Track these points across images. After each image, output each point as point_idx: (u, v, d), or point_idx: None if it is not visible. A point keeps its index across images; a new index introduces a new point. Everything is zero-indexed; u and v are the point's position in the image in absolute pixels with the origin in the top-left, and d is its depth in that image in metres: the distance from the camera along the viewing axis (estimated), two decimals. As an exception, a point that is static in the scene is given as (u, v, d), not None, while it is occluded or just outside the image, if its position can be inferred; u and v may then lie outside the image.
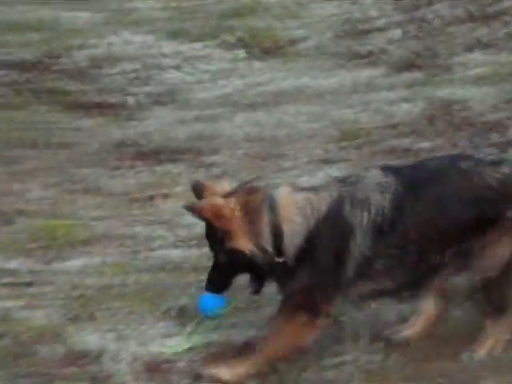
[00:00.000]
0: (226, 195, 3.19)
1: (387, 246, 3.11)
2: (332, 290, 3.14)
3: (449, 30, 6.73)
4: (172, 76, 6.21)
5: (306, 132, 5.36)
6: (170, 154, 5.08)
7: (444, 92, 5.69)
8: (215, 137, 5.22)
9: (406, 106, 5.53)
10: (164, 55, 6.59)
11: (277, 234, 3.12)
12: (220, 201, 3.15)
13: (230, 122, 5.46)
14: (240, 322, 3.42)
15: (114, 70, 6.26)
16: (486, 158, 3.29)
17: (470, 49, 6.42)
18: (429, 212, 3.12)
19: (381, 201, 3.09)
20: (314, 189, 3.27)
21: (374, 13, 7.26)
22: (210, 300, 3.25)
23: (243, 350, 3.22)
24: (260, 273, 3.24)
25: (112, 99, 5.92)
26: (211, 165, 4.91)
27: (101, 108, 5.84)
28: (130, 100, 5.88)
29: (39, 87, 6.04)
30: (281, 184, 3.51)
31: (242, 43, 6.81)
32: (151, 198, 4.59)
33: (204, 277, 3.27)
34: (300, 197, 3.17)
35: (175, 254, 3.97)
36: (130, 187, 4.70)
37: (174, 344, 3.23)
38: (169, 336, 3.27)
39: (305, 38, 6.93)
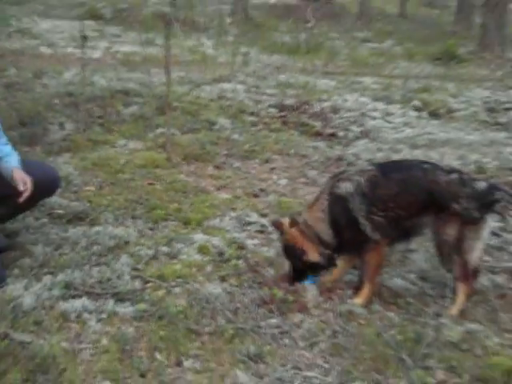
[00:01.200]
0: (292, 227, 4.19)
1: (373, 205, 4.01)
2: (362, 232, 4.03)
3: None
4: (375, 123, 8.36)
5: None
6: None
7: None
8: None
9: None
10: (372, 110, 8.87)
11: (321, 241, 4.13)
12: (295, 231, 4.17)
13: (408, 154, 6.92)
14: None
15: (341, 116, 8.52)
16: (444, 167, 4.15)
17: None
18: (393, 188, 4.02)
19: (358, 179, 4.06)
20: (316, 199, 4.23)
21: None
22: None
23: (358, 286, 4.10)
24: (327, 264, 4.24)
25: (337, 132, 7.94)
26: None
27: (330, 136, 7.80)
28: (348, 133, 7.93)
29: (296, 121, 8.15)
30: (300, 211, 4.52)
31: (422, 107, 9.16)
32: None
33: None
34: (314, 211, 4.19)
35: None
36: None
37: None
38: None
39: (463, 109, 9.16)
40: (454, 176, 4.02)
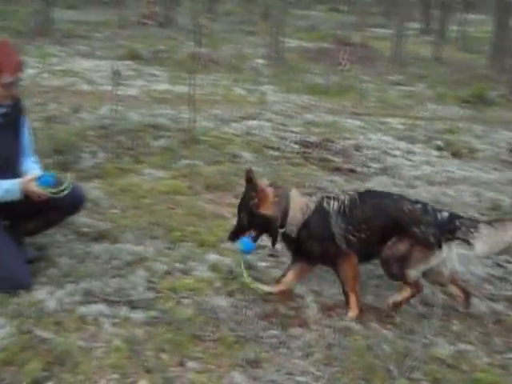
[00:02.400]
0: (268, 185, 4.40)
1: (350, 224, 4.28)
2: (336, 245, 4.28)
3: None
4: (395, 160, 8.60)
5: (466, 202, 6.94)
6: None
7: None
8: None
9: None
10: (393, 148, 9.14)
11: (284, 215, 4.31)
12: (268, 184, 4.41)
13: (424, 191, 7.19)
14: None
15: (362, 153, 8.78)
16: (410, 198, 4.54)
17: None
18: (369, 212, 4.31)
19: (343, 198, 4.36)
20: (309, 195, 4.54)
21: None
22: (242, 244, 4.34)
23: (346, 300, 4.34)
24: (272, 230, 4.36)
25: (356, 168, 8.16)
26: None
27: (349, 172, 7.99)
28: (367, 169, 8.16)
29: (317, 157, 8.35)
30: (293, 187, 4.65)
31: (444, 147, 9.47)
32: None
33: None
34: (302, 200, 4.40)
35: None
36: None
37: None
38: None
39: (485, 149, 9.48)
40: (419, 206, 4.37)
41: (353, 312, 4.32)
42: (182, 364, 3.63)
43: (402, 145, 9.48)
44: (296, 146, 8.86)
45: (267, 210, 4.31)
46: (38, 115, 8.70)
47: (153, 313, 4.09)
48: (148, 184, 6.68)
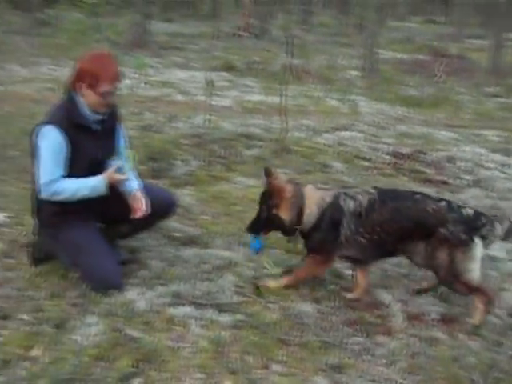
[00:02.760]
0: (286, 182, 4.48)
1: (362, 226, 4.30)
2: (334, 245, 4.37)
3: None
4: (488, 173, 8.35)
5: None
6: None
7: None
8: (499, 209, 6.72)
9: None
10: (488, 161, 8.89)
11: (300, 214, 4.37)
12: (286, 180, 4.53)
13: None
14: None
15: (455, 165, 8.61)
16: (434, 197, 4.54)
17: None
18: (388, 215, 4.27)
19: (361, 199, 4.33)
20: (325, 189, 4.67)
21: None
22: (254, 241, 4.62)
23: (286, 273, 4.65)
24: (286, 231, 4.52)
25: (448, 179, 7.99)
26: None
27: (440, 183, 7.82)
28: (459, 181, 7.96)
29: (409, 168, 8.26)
30: (307, 183, 4.73)
31: None
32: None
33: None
34: (317, 194, 4.45)
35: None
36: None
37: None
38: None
39: None
40: (443, 204, 4.31)
41: (271, 284, 4.55)
42: (266, 367, 3.68)
43: (497, 157, 9.17)
44: (388, 157, 8.80)
45: (285, 211, 4.39)
46: (135, 124, 8.99)
47: (239, 316, 4.17)
48: (239, 192, 6.79)
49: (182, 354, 3.73)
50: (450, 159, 8.94)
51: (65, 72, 14.97)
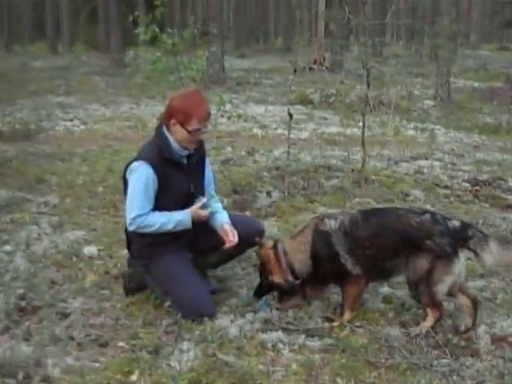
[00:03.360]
0: (270, 248, 4.69)
1: (353, 243, 4.44)
2: (342, 264, 4.47)
3: None
4: None
5: None
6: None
7: None
8: None
9: None
10: None
11: (291, 269, 4.60)
12: (270, 251, 4.69)
13: None
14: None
15: None
16: (416, 210, 4.70)
17: None
18: (372, 229, 4.43)
19: (342, 218, 4.52)
20: (300, 232, 4.74)
21: None
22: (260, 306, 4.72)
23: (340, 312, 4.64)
24: (289, 291, 4.72)
25: None
26: None
27: None
28: None
29: (488, 194, 8.28)
30: (280, 237, 4.97)
31: None
32: None
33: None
34: (295, 242, 4.67)
35: None
36: None
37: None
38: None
39: None
40: (427, 216, 4.40)
41: (339, 321, 4.55)
42: (357, 388, 3.80)
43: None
44: (466, 184, 8.84)
45: (277, 275, 4.66)
46: (216, 158, 9.27)
47: (328, 340, 4.29)
48: (321, 221, 6.89)
49: (275, 377, 3.88)
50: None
51: (143, 111, 15.69)
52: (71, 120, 14.22)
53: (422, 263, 4.32)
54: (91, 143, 11.45)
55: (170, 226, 4.62)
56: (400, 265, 4.46)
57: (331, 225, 4.53)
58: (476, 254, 4.35)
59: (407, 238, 4.36)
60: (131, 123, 13.65)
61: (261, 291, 4.79)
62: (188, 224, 4.67)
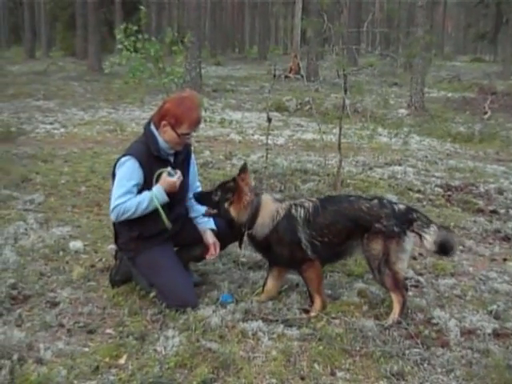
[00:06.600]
0: (250, 189, 4.76)
1: (313, 229, 4.68)
2: (302, 250, 4.69)
3: None
4: None
5: None
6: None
7: None
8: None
9: None
10: None
11: (253, 219, 4.72)
12: (249, 192, 4.74)
13: None
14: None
15: (505, 196, 8.85)
16: (367, 196, 5.22)
17: None
18: (329, 218, 4.69)
19: (307, 206, 4.74)
20: (280, 201, 4.91)
21: None
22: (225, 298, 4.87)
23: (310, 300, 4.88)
24: (232, 226, 4.82)
25: (499, 209, 8.21)
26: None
27: (491, 213, 8.07)
28: (510, 211, 8.18)
29: (460, 199, 8.58)
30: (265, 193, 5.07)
31: None
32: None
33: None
34: (273, 206, 4.77)
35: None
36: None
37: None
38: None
39: None
40: (375, 202, 4.74)
41: (315, 311, 4.74)
42: (333, 374, 4.02)
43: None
44: (439, 190, 9.14)
45: (235, 211, 4.73)
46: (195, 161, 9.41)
47: (306, 330, 4.50)
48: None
49: (256, 362, 4.08)
50: (500, 191, 9.24)
51: (121, 115, 15.83)
52: (51, 123, 14.37)
53: (376, 246, 4.62)
54: (72, 146, 11.59)
55: (145, 204, 4.72)
56: (353, 247, 4.77)
57: (301, 213, 4.73)
58: (420, 236, 4.65)
59: (358, 222, 4.66)
60: (110, 127, 13.79)
61: (203, 200, 4.90)
62: (163, 195, 4.75)
